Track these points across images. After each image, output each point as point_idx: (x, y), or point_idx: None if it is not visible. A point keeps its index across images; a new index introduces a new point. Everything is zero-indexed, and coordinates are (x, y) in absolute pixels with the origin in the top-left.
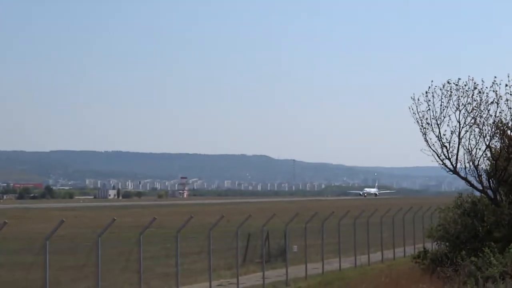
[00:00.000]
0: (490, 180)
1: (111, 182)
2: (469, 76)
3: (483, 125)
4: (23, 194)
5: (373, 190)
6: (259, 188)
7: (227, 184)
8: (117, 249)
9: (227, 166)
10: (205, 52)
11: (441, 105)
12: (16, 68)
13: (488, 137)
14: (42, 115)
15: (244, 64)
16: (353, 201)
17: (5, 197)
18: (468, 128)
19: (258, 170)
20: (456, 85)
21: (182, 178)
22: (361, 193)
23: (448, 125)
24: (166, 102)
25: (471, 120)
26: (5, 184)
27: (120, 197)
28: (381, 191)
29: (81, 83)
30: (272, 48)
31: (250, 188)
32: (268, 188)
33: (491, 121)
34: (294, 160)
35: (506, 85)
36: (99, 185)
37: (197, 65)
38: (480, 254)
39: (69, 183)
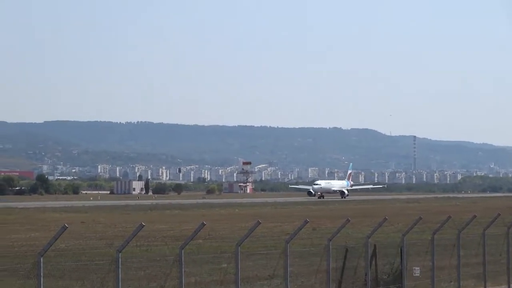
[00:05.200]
0: None
1: (136, 169)
2: None
3: None
4: (3, 187)
5: (338, 184)
6: (361, 179)
7: (312, 173)
8: (145, 270)
9: (312, 145)
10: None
11: None
12: None
13: None
14: (32, 71)
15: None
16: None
17: None
18: None
19: (360, 152)
20: None
21: (244, 164)
22: (311, 189)
23: None
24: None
25: None
26: None
27: (150, 192)
28: (356, 186)
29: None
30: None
31: None
32: (375, 180)
33: None
34: (415, 136)
35: None
36: (117, 174)
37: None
38: None
39: (73, 170)
